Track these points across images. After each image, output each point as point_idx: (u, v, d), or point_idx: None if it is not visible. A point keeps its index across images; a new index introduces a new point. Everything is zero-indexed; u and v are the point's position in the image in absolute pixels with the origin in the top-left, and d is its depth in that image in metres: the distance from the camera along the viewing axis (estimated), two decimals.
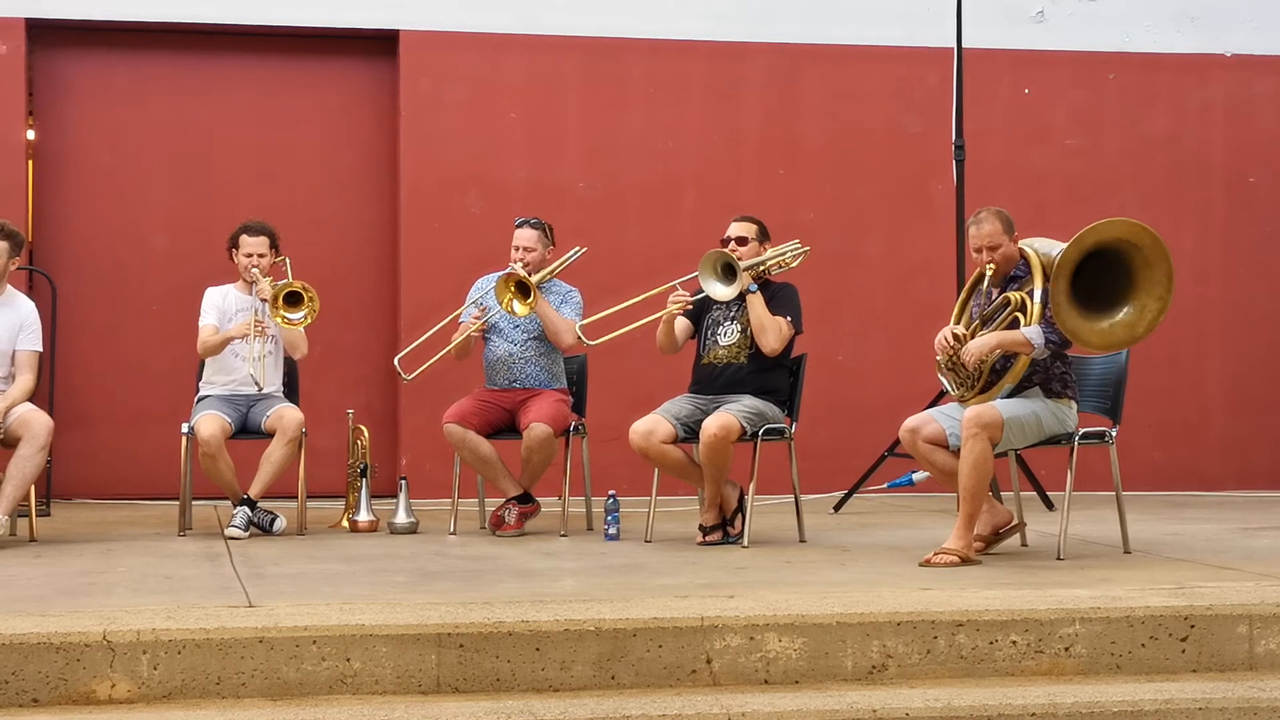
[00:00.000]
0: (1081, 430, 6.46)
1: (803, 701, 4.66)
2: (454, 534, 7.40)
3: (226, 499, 7.53)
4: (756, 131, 9.69)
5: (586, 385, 7.86)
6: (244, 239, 7.61)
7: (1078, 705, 4.68)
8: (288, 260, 7.66)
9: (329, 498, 8.66)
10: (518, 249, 7.50)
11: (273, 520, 7.40)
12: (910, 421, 6.53)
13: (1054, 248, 6.39)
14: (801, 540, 7.03)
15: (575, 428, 7.50)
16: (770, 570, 6.11)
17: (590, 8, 9.54)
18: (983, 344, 6.29)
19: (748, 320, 6.99)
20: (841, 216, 9.67)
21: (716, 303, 7.07)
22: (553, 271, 7.56)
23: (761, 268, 7.06)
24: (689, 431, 6.93)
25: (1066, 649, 5.01)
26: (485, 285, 7.66)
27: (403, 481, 7.62)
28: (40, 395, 7.50)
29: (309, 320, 7.41)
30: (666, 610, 4.97)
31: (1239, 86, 10.05)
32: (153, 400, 9.12)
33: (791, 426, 7.05)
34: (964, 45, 8.68)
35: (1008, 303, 6.36)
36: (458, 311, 7.68)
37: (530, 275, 7.38)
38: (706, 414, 6.85)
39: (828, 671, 4.90)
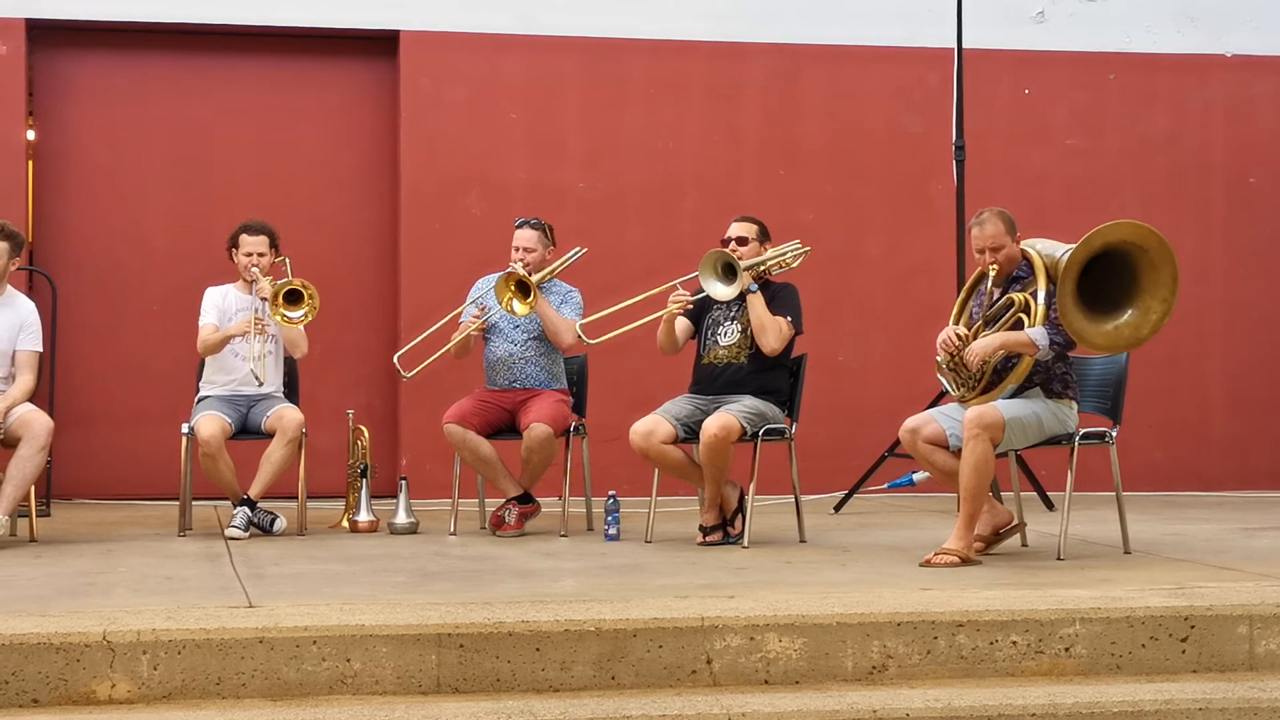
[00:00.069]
0: (1082, 430, 6.46)
1: (803, 702, 4.66)
2: (454, 534, 7.40)
3: (226, 499, 7.52)
4: (757, 132, 9.69)
5: (587, 385, 7.86)
6: (244, 238, 7.61)
7: (1078, 706, 4.68)
8: (288, 260, 7.66)
9: (329, 498, 8.65)
10: (518, 249, 7.50)
11: (273, 520, 7.40)
12: (910, 422, 6.53)
13: (1055, 249, 6.39)
14: (802, 540, 7.03)
15: (575, 428, 7.50)
16: (770, 570, 6.11)
17: (590, 8, 9.54)
18: (987, 344, 6.28)
19: (748, 320, 6.99)
20: (842, 217, 9.67)
21: (717, 303, 7.07)
22: (552, 272, 7.56)
23: (762, 268, 7.06)
24: (689, 432, 6.92)
25: (1067, 649, 5.01)
26: (485, 286, 7.66)
27: (403, 482, 7.62)
28: (40, 395, 7.49)
29: (309, 318, 7.40)
30: (667, 610, 4.96)
31: (1239, 87, 10.05)
32: (153, 400, 9.12)
33: (792, 427, 7.05)
34: (964, 46, 8.68)
35: (1011, 303, 6.36)
36: (458, 310, 7.69)
37: (530, 275, 7.38)
38: (707, 414, 6.85)
39: (828, 672, 4.90)
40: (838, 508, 8.57)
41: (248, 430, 7.49)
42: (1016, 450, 6.64)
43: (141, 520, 8.06)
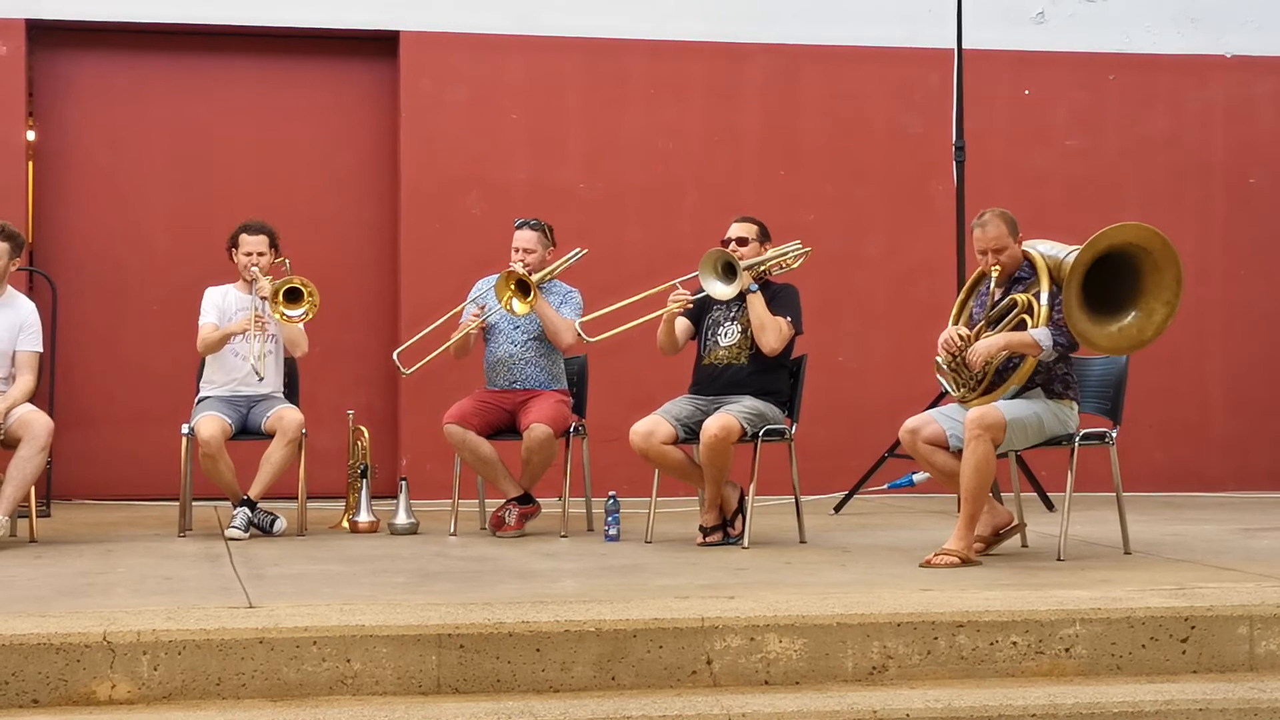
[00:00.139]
0: (1082, 431, 6.46)
1: (803, 702, 4.66)
2: (454, 535, 7.40)
3: (227, 500, 7.52)
4: (757, 132, 9.69)
5: (587, 386, 7.86)
6: (243, 238, 7.61)
7: (1078, 706, 4.68)
8: (288, 262, 7.65)
9: (329, 498, 8.65)
10: (518, 250, 7.50)
11: (273, 521, 7.40)
12: (910, 422, 6.53)
13: (1057, 249, 6.39)
14: (802, 541, 7.03)
15: (575, 428, 7.50)
16: (770, 571, 6.11)
17: (590, 8, 9.54)
18: (990, 344, 6.28)
19: (748, 321, 6.99)
20: (842, 217, 9.67)
21: (717, 303, 7.07)
22: (552, 272, 7.56)
23: (762, 268, 7.05)
24: (689, 432, 6.92)
25: (1067, 650, 5.01)
26: (485, 286, 7.66)
27: (403, 482, 7.62)
28: (40, 396, 7.49)
29: (309, 316, 7.40)
30: (667, 611, 4.96)
31: (1239, 87, 10.05)
32: (153, 401, 9.12)
33: (792, 427, 7.05)
34: (964, 46, 8.68)
35: (1015, 304, 6.35)
36: (459, 308, 7.69)
37: (530, 275, 7.38)
38: (707, 415, 6.85)
39: (828, 672, 4.90)
40: (838, 508, 8.57)
41: (248, 431, 7.48)
42: (1017, 451, 6.64)
43: (141, 521, 8.06)
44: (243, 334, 7.44)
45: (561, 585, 5.70)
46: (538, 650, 4.78)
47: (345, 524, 7.69)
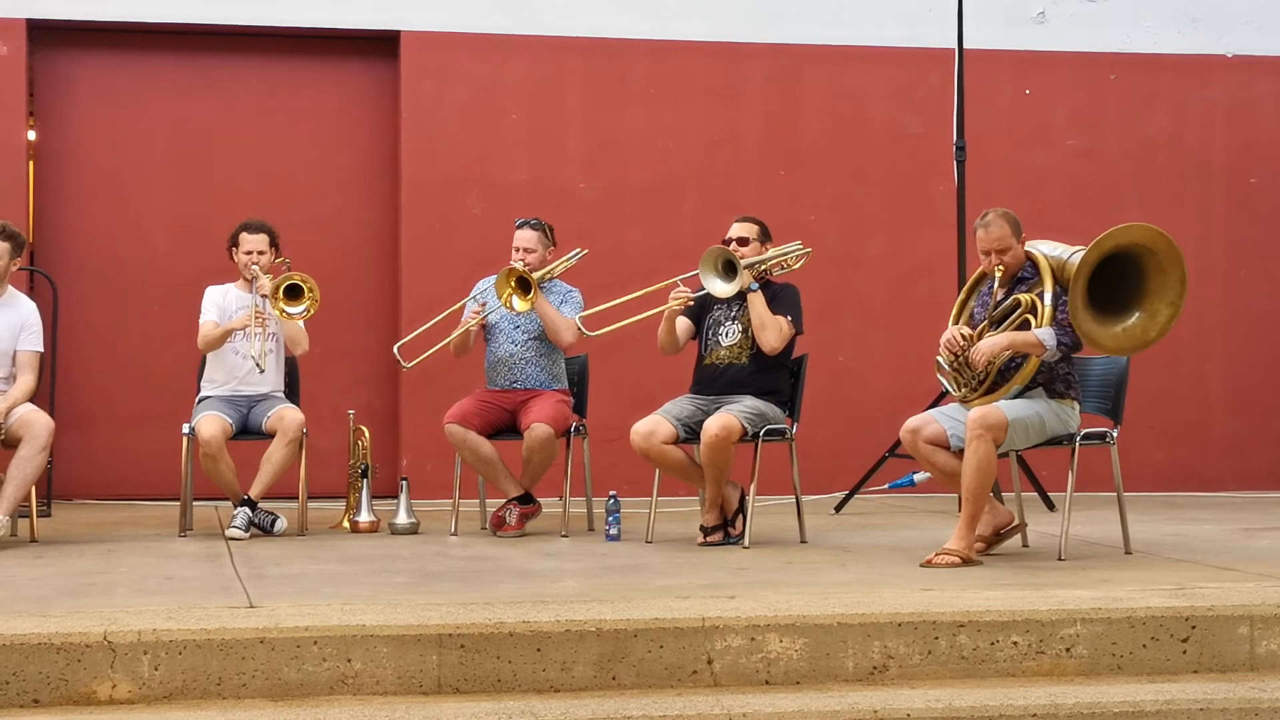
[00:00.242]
0: (1083, 431, 6.46)
1: (804, 702, 4.66)
2: (455, 534, 7.40)
3: (227, 500, 7.52)
4: (757, 132, 9.69)
5: (587, 386, 7.86)
6: (244, 237, 7.61)
7: (1079, 706, 4.68)
8: (288, 262, 7.65)
9: (330, 498, 8.65)
10: (518, 249, 7.50)
11: (273, 521, 7.40)
12: (911, 422, 6.52)
13: (1060, 250, 6.39)
14: (802, 541, 7.03)
15: (576, 428, 7.50)
16: (771, 571, 6.10)
17: (591, 8, 9.54)
18: (994, 344, 6.28)
19: (749, 320, 6.99)
20: (842, 217, 9.67)
21: (718, 303, 7.07)
22: (552, 272, 7.56)
23: (763, 267, 7.05)
24: (690, 432, 6.92)
25: (1068, 650, 5.01)
26: (486, 285, 7.66)
27: (403, 482, 7.62)
28: (41, 396, 7.49)
29: (310, 313, 7.40)
30: (667, 611, 4.96)
31: (1240, 87, 10.05)
32: (153, 401, 9.12)
33: (792, 427, 7.05)
34: (965, 46, 8.67)
35: (1018, 304, 6.35)
36: (460, 303, 7.70)
37: (531, 273, 7.38)
38: (707, 414, 6.85)
39: (829, 672, 4.90)
40: (838, 508, 8.57)
41: (248, 430, 7.49)
42: (1018, 450, 6.64)
43: (142, 520, 8.06)
44: (243, 331, 7.44)
45: (562, 585, 5.70)
46: (538, 650, 4.78)
47: (346, 524, 7.70)
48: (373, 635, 4.72)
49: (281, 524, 7.40)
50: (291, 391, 7.74)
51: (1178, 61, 9.99)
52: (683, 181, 9.59)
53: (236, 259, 7.64)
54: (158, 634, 4.64)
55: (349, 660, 4.70)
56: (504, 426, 7.47)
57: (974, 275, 6.62)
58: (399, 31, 9.39)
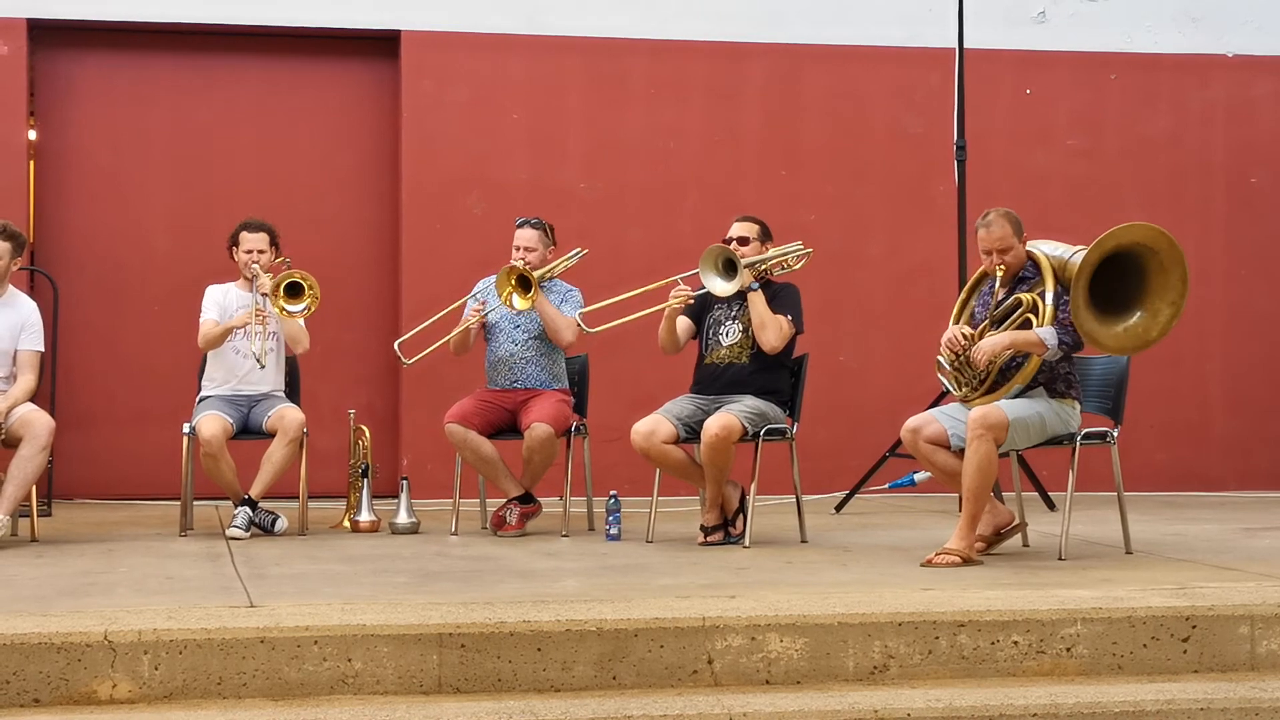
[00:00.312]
0: (1083, 431, 6.46)
1: (804, 702, 4.66)
2: (455, 534, 7.40)
3: (228, 499, 7.53)
4: (758, 132, 9.69)
5: (588, 385, 7.86)
6: (244, 236, 7.61)
7: (1079, 706, 4.68)
8: (288, 261, 7.65)
9: (330, 498, 8.66)
10: (518, 249, 7.50)
11: (274, 520, 7.40)
12: (912, 422, 6.52)
13: (1061, 249, 6.39)
14: (803, 540, 7.03)
15: (576, 428, 7.50)
16: (771, 570, 6.10)
17: (592, 8, 9.54)
18: (995, 343, 6.28)
19: (749, 320, 6.99)
20: (843, 217, 9.67)
21: (718, 302, 7.07)
22: (552, 271, 7.56)
23: (763, 266, 7.05)
24: (690, 432, 6.92)
25: (1068, 649, 5.01)
26: (486, 285, 7.66)
27: (404, 482, 7.62)
28: (41, 395, 7.49)
29: (310, 310, 7.40)
30: (668, 610, 4.96)
31: (1240, 87, 10.06)
32: (154, 400, 9.13)
33: (793, 427, 7.05)
34: (965, 46, 8.68)
35: (1020, 304, 6.35)
36: (461, 301, 7.70)
37: (531, 271, 7.38)
38: (708, 414, 6.85)
39: (829, 672, 4.90)
40: (839, 508, 8.57)
41: (249, 430, 7.49)
42: (1019, 450, 6.64)
43: (143, 520, 8.06)
44: (244, 329, 7.44)
45: (562, 585, 5.70)
46: (539, 650, 4.78)
47: (346, 523, 7.70)
48: (373, 635, 4.72)
49: (282, 524, 7.40)
50: (292, 391, 7.74)
51: (1178, 61, 9.99)
52: (683, 181, 9.59)
53: (237, 258, 7.64)
54: (158, 633, 4.64)
55: (349, 660, 4.70)
56: (504, 426, 7.47)
57: (975, 275, 6.62)
58: (399, 31, 9.40)
